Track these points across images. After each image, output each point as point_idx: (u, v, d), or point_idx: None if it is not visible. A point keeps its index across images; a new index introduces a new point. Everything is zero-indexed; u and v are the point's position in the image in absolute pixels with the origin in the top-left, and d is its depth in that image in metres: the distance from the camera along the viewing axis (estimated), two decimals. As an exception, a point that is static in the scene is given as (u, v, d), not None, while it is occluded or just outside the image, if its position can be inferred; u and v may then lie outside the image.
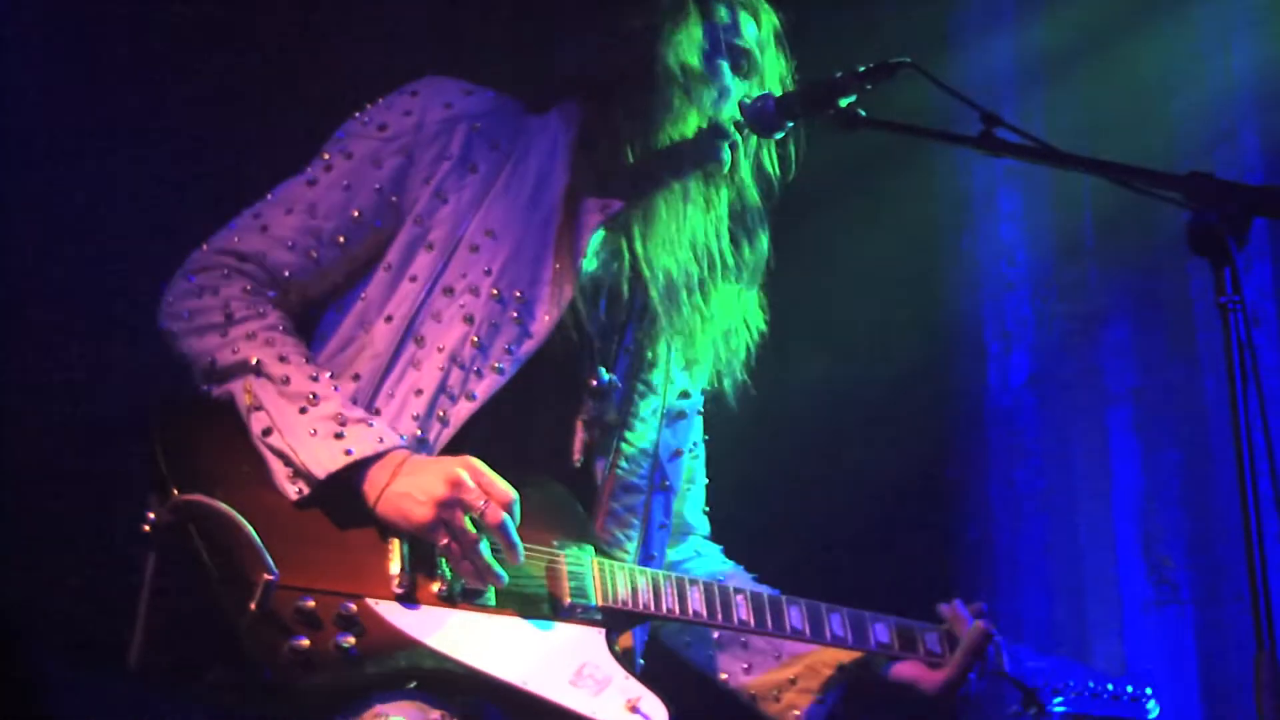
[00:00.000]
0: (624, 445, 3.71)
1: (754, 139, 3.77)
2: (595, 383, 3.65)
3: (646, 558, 3.70)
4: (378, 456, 3.26)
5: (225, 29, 5.00)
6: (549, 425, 3.62)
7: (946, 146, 5.94)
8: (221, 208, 3.58)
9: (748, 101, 3.62)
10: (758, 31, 3.78)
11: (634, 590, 3.47)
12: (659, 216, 3.63)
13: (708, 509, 4.05)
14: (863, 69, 3.50)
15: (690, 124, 3.63)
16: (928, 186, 6.15)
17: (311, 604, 3.08)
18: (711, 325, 3.77)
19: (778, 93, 3.67)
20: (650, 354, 3.78)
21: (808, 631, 3.66)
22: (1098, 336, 5.80)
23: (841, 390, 5.73)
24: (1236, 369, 2.96)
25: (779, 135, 3.71)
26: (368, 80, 3.73)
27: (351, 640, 3.08)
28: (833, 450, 5.69)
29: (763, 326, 3.88)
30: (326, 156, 3.55)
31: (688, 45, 3.65)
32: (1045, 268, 5.94)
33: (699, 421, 3.97)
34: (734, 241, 3.78)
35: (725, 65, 3.70)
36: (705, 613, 3.54)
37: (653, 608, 3.48)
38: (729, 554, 4.00)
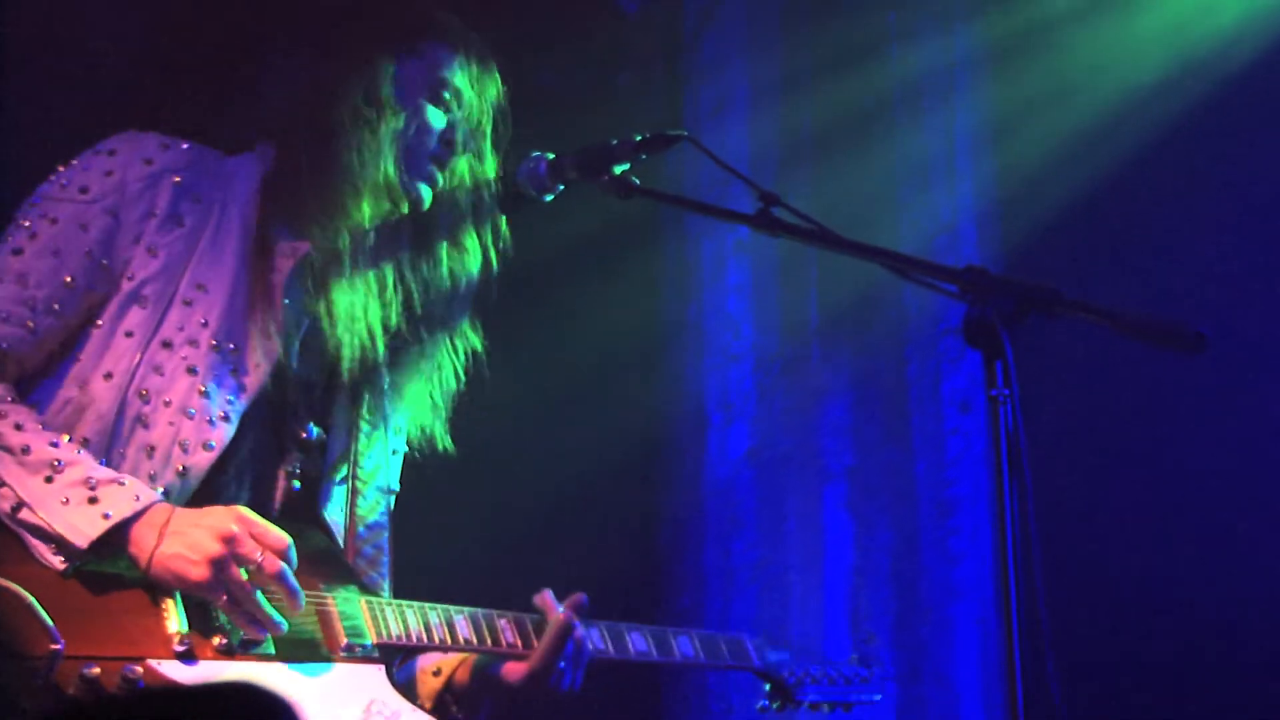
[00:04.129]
0: (359, 484, 3.67)
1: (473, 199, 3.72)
2: (304, 435, 3.59)
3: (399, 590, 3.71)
4: (137, 516, 3.16)
5: None
6: (259, 478, 3.53)
7: (683, 218, 6.19)
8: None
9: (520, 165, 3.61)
10: (467, 73, 3.69)
11: (405, 624, 3.47)
12: (341, 259, 3.55)
13: None
14: (639, 138, 3.55)
15: (377, 163, 3.53)
16: (656, 255, 6.21)
17: (96, 671, 3.01)
18: (403, 373, 3.73)
19: (488, 131, 3.67)
20: (367, 394, 3.71)
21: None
22: (817, 414, 5.93)
23: (559, 454, 5.72)
24: (1005, 460, 3.03)
25: (549, 198, 3.66)
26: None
27: None
28: (547, 512, 5.67)
29: (459, 381, 3.80)
30: (27, 224, 3.39)
31: (373, 85, 3.55)
32: (770, 342, 6.04)
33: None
34: (430, 288, 3.71)
35: (426, 106, 3.61)
36: (475, 640, 3.56)
37: (425, 639, 3.49)
38: None
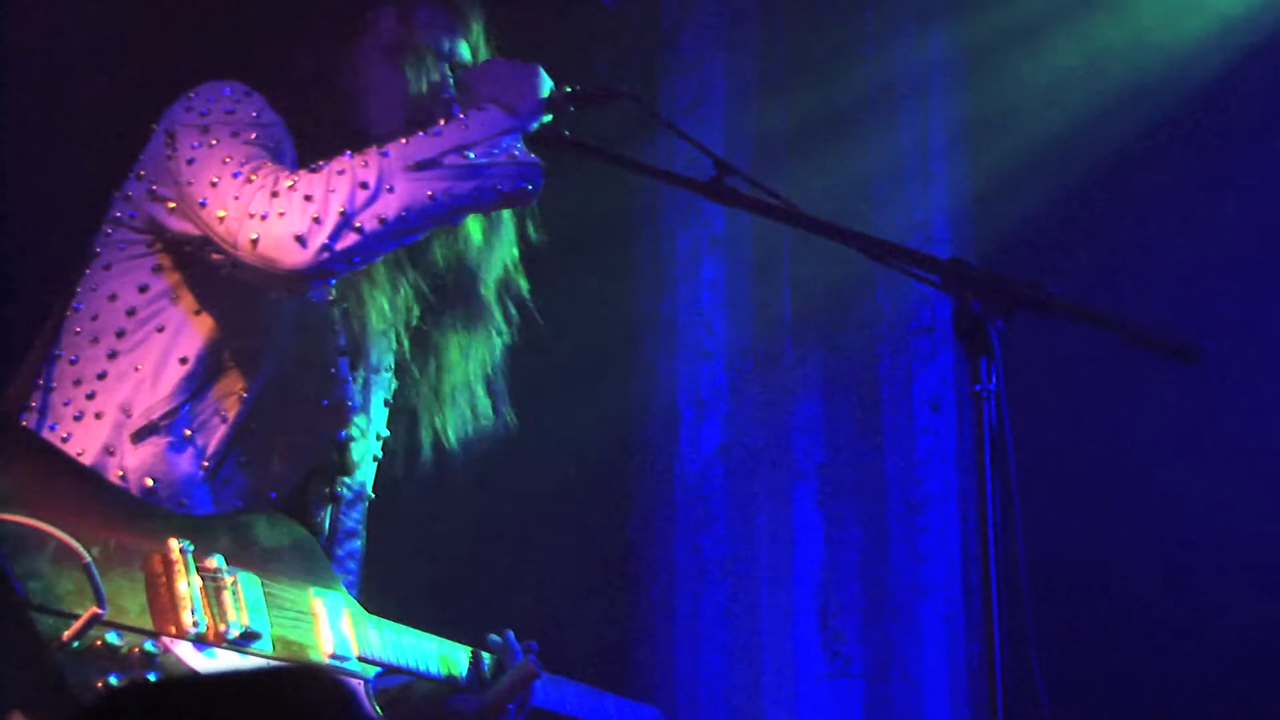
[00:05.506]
0: (343, 490, 3.63)
1: None
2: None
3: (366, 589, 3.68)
4: None
5: None
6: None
7: (656, 211, 6.18)
8: None
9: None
10: (474, 39, 3.63)
11: (383, 646, 3.45)
12: None
13: None
14: (570, 89, 3.43)
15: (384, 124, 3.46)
16: (628, 249, 6.20)
17: (120, 641, 2.95)
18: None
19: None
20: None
21: None
22: (789, 410, 5.92)
23: (530, 447, 5.70)
24: (987, 457, 3.03)
25: None
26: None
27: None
28: (517, 505, 5.65)
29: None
30: (226, 124, 3.30)
31: (377, 59, 3.50)
32: (742, 338, 6.04)
33: None
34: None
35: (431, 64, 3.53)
36: (432, 671, 3.59)
37: (395, 664, 3.49)
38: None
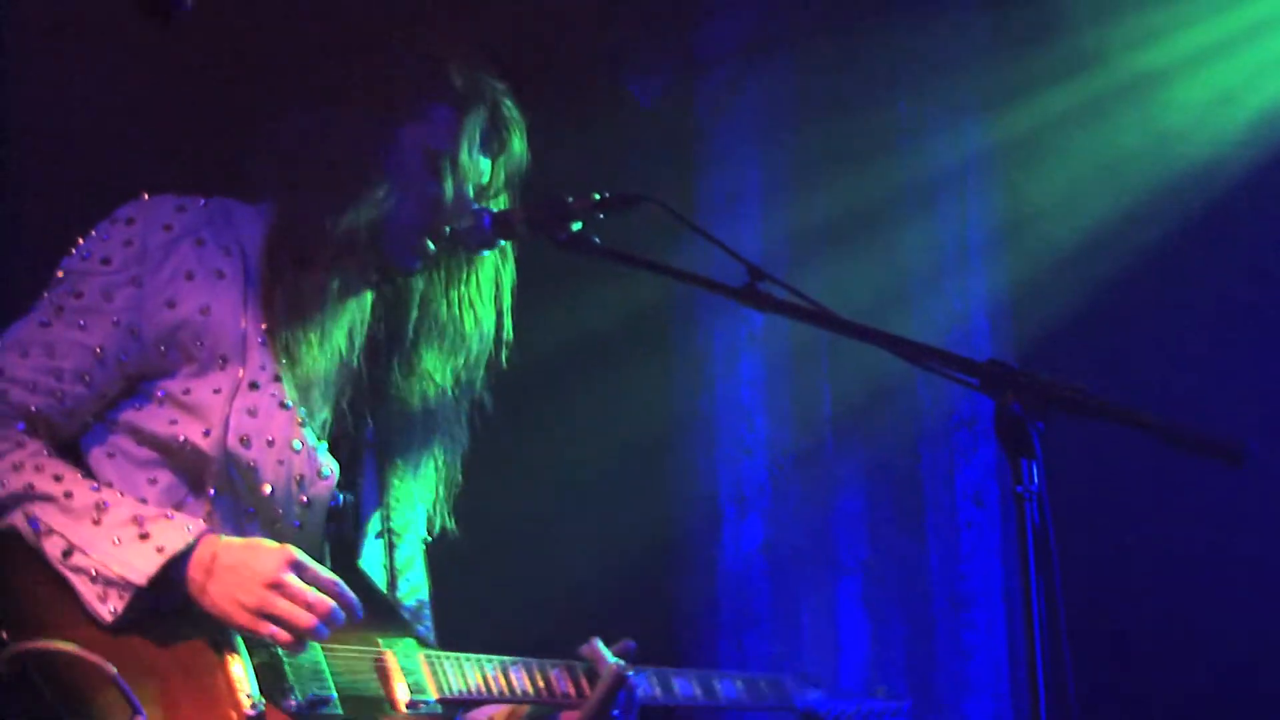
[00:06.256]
0: (394, 537, 3.61)
1: (485, 260, 3.59)
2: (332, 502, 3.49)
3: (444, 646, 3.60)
4: (190, 549, 3.12)
5: None
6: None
7: (694, 309, 6.19)
8: None
9: (460, 211, 3.45)
10: (471, 139, 3.51)
11: (465, 679, 3.42)
12: (316, 318, 3.40)
13: None
14: (599, 197, 3.38)
15: (367, 233, 3.39)
16: (668, 347, 6.21)
17: None
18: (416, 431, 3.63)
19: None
20: (396, 447, 3.63)
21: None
22: (831, 506, 5.91)
23: (572, 546, 5.71)
24: (1031, 558, 3.00)
25: (486, 252, 3.55)
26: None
27: None
28: (560, 604, 5.63)
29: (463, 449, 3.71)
30: (53, 298, 3.34)
31: (371, 151, 3.42)
32: (783, 435, 6.02)
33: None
34: (426, 363, 3.59)
35: (424, 175, 3.45)
36: (531, 691, 3.53)
37: (484, 692, 3.45)
38: None
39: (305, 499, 3.30)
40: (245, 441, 3.26)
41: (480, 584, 4.88)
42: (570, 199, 3.38)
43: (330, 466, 3.34)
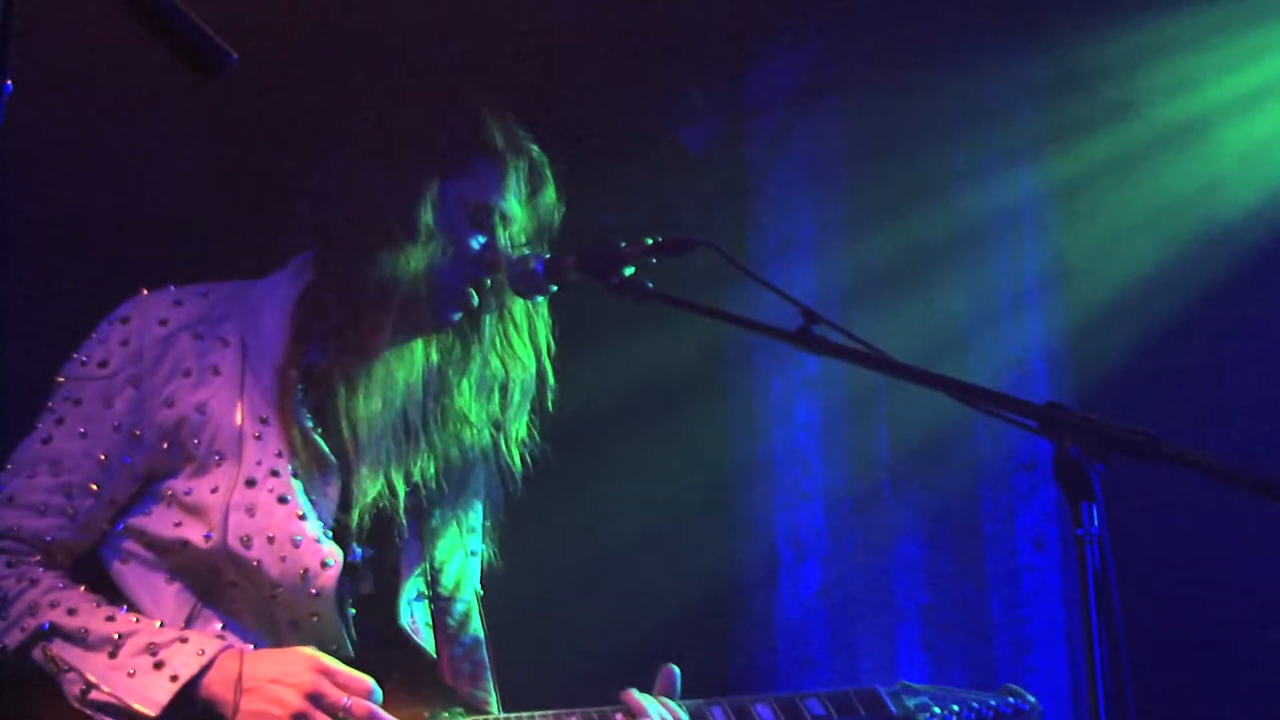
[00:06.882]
0: (442, 598, 3.53)
1: (518, 305, 3.55)
2: (356, 557, 3.43)
3: (504, 702, 3.56)
4: (204, 671, 3.14)
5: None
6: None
7: (750, 355, 6.20)
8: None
9: (512, 257, 3.43)
10: (517, 192, 3.51)
11: None
12: (362, 372, 3.39)
13: None
14: (651, 241, 3.35)
15: (411, 287, 3.37)
16: (724, 393, 6.21)
17: None
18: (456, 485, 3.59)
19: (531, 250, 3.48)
20: (423, 495, 3.54)
21: None
22: (889, 551, 5.89)
23: (630, 594, 5.70)
24: (1092, 602, 2.98)
25: (540, 299, 3.53)
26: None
27: None
28: (618, 652, 5.61)
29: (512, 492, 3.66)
30: (54, 409, 3.36)
31: (413, 206, 3.39)
32: (840, 480, 6.01)
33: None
34: (463, 409, 3.54)
35: (467, 229, 3.44)
36: None
37: None
38: None
39: (314, 591, 3.25)
40: (246, 541, 3.25)
41: (540, 633, 4.89)
42: (623, 244, 3.35)
43: (334, 556, 3.29)
